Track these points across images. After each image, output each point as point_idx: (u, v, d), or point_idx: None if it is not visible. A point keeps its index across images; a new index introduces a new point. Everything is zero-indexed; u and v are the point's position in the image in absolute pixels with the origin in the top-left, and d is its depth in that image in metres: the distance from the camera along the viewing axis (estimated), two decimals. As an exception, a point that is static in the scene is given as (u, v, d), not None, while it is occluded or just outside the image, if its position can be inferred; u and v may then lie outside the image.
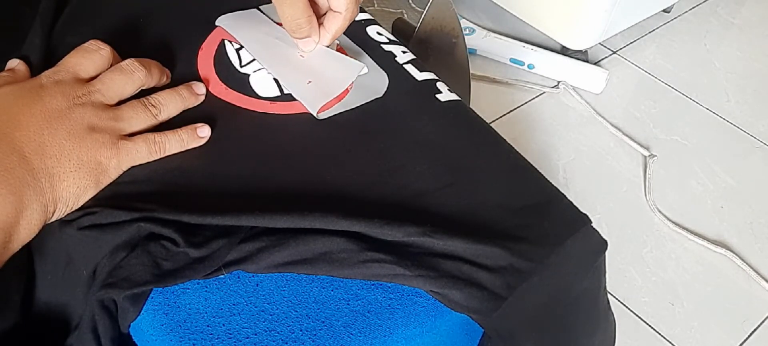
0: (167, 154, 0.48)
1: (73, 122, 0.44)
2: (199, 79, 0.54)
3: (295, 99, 0.54)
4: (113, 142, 0.45)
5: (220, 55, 0.56)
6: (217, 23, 0.59)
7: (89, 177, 0.44)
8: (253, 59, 0.57)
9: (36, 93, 0.45)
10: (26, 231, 0.41)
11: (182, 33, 0.58)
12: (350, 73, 0.55)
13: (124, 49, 0.53)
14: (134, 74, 0.48)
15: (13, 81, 0.46)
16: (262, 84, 0.55)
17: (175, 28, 0.58)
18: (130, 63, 0.49)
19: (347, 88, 0.55)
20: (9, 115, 0.43)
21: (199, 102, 0.52)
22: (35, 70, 0.51)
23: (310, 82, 0.54)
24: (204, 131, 0.49)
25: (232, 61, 0.56)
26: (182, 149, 0.48)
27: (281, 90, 0.55)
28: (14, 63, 0.50)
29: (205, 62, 0.56)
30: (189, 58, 0.56)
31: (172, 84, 0.52)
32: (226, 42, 0.58)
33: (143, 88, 0.50)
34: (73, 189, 0.43)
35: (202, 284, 0.45)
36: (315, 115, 0.53)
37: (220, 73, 0.55)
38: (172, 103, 0.50)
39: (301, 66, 0.56)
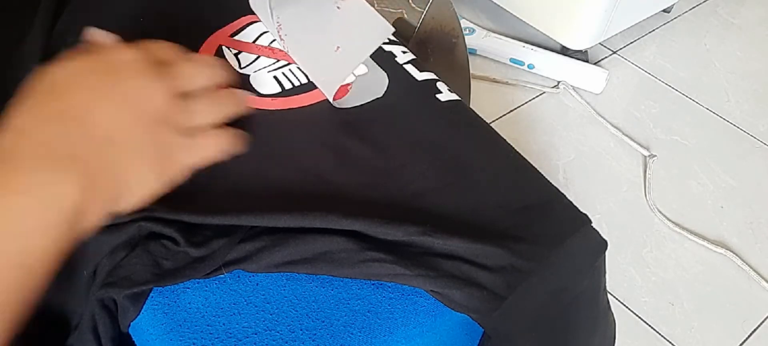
0: (231, 154, 0.46)
1: (146, 108, 0.42)
2: None
3: (295, 94, 0.54)
4: (182, 138, 0.43)
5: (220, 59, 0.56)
6: (250, 3, 0.59)
7: (157, 169, 0.42)
8: (253, 61, 0.57)
9: (111, 71, 0.42)
10: (93, 216, 0.39)
11: (182, 35, 0.58)
12: (379, 34, 0.53)
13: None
14: (208, 70, 0.46)
15: (94, 54, 0.43)
16: (263, 84, 0.55)
17: (176, 30, 0.58)
18: (206, 57, 0.47)
19: (348, 86, 0.55)
20: (83, 95, 0.41)
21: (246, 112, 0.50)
22: (35, 71, 0.51)
23: (338, 47, 0.54)
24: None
25: (232, 64, 0.56)
26: (233, 152, 0.46)
27: (282, 87, 0.55)
28: (98, 35, 0.47)
29: None
30: None
31: None
32: (224, 47, 0.57)
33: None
34: (141, 180, 0.41)
35: (202, 283, 0.45)
36: (331, 101, 0.53)
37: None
38: (233, 102, 0.48)
39: (330, 31, 0.55)
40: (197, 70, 0.46)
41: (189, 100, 0.44)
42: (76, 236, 0.39)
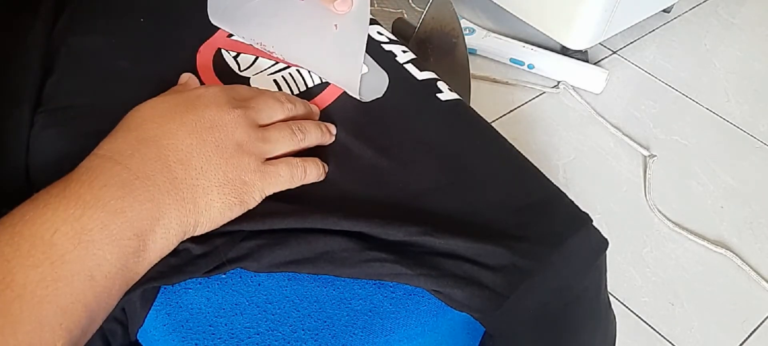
0: (307, 182, 0.47)
1: (223, 136, 0.43)
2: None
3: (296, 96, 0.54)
4: (258, 166, 0.44)
5: (219, 64, 0.56)
6: (211, 19, 0.58)
7: (234, 195, 0.43)
8: (252, 63, 0.57)
9: (192, 102, 0.44)
10: (163, 241, 0.40)
11: (182, 35, 0.58)
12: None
13: (123, 54, 0.53)
14: (285, 105, 0.48)
15: (178, 92, 0.47)
16: (263, 86, 0.55)
17: (175, 30, 0.58)
18: (282, 93, 0.49)
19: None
20: (161, 122, 0.43)
21: (329, 143, 0.51)
22: (35, 72, 0.51)
23: (336, 25, 0.53)
24: (325, 169, 0.49)
25: (232, 67, 0.56)
26: (318, 179, 0.48)
27: (280, 89, 0.55)
28: (186, 77, 0.51)
29: (205, 67, 0.55)
30: (190, 65, 0.55)
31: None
32: (223, 50, 0.57)
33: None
34: (217, 204, 0.42)
35: (205, 283, 0.45)
36: (358, 97, 0.53)
37: (222, 80, 0.55)
38: (314, 133, 0.49)
39: (316, 19, 0.54)
40: (274, 104, 0.48)
41: (266, 130, 0.46)
42: (144, 260, 0.40)
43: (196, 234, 0.43)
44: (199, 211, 0.42)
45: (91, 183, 0.38)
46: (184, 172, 0.41)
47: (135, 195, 0.39)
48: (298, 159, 0.47)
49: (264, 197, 0.45)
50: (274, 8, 0.56)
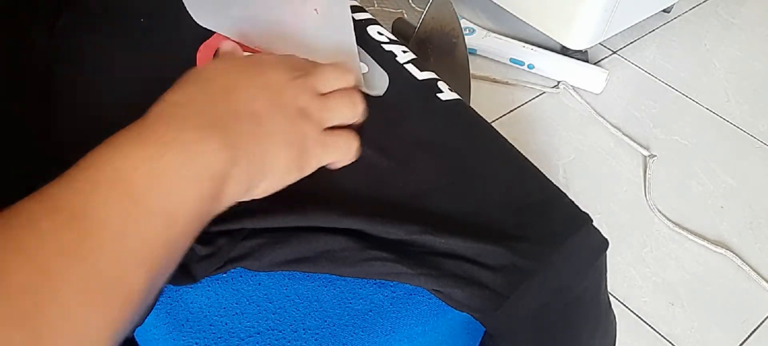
0: (354, 159, 0.46)
1: (288, 99, 0.43)
2: None
3: None
4: (319, 134, 0.44)
5: None
6: (199, 22, 0.58)
7: (294, 160, 0.42)
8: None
9: (257, 65, 0.44)
10: (235, 187, 0.39)
11: (183, 34, 0.58)
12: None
13: (123, 54, 0.53)
14: (346, 75, 0.47)
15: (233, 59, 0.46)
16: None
17: (176, 29, 0.58)
18: (341, 64, 0.48)
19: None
20: (229, 80, 0.42)
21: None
22: (36, 72, 0.51)
23: (316, 9, 0.53)
24: None
25: None
26: (354, 159, 0.47)
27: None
28: (230, 46, 0.49)
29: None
30: (190, 66, 0.55)
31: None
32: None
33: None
34: (281, 165, 0.42)
35: (205, 282, 0.45)
36: (368, 92, 0.53)
37: None
38: (362, 106, 0.48)
39: (300, 10, 0.53)
40: (333, 73, 0.47)
41: (326, 98, 0.45)
42: (218, 205, 0.39)
43: (255, 197, 0.42)
44: (266, 170, 0.41)
45: (169, 125, 0.38)
46: (255, 127, 0.41)
47: (212, 139, 0.38)
48: (353, 133, 0.46)
49: (320, 166, 0.44)
50: (254, 9, 0.56)
